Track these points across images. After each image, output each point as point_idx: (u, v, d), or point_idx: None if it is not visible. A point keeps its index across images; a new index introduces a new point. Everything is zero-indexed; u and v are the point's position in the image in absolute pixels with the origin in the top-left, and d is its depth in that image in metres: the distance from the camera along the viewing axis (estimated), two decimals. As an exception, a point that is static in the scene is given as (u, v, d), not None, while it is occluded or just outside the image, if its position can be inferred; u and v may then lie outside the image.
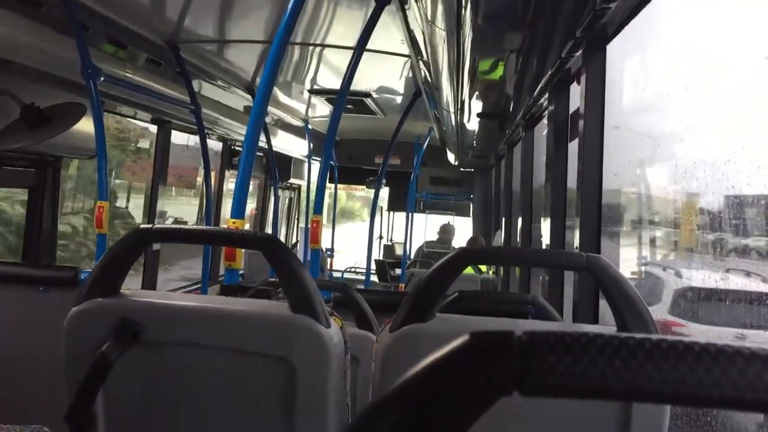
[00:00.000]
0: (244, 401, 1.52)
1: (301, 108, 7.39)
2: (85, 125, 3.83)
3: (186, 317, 1.49)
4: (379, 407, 0.48)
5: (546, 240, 3.41)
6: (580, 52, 2.65)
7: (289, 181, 9.37)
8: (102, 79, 3.71)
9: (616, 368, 0.44)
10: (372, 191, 9.67)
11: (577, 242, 2.63)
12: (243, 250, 5.73)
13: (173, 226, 1.48)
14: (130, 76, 4.26)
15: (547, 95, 3.62)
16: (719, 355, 0.44)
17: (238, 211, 2.63)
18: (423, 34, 3.13)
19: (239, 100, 6.12)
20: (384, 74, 5.55)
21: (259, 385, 1.50)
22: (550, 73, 3.11)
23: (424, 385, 0.47)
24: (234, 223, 2.60)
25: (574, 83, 3.05)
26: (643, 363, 0.44)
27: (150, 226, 1.53)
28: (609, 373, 0.45)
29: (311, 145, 8.20)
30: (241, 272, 7.06)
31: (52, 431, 2.47)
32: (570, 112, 3.25)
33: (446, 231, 9.69)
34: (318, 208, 4.03)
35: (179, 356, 1.50)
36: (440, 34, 2.87)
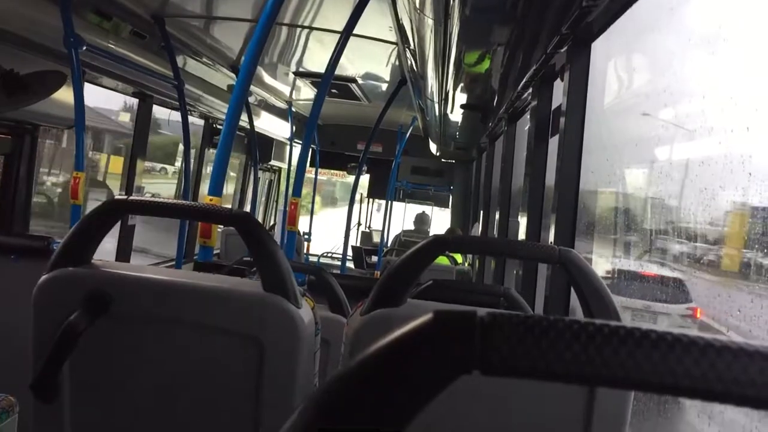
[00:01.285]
0: (211, 377, 1.52)
1: (286, 90, 7.36)
2: (66, 95, 3.79)
3: (157, 290, 1.48)
4: (339, 381, 0.49)
5: (522, 234, 3.44)
6: (564, 48, 2.66)
7: (270, 163, 9.33)
8: (84, 48, 3.66)
9: (575, 352, 0.45)
10: (343, 177, 9.70)
11: (551, 237, 2.65)
12: (220, 230, 5.72)
13: (148, 198, 1.47)
14: (113, 47, 4.21)
15: (530, 90, 3.64)
16: (675, 343, 0.45)
17: (215, 189, 2.62)
18: (411, 22, 3.13)
19: (223, 78, 6.08)
20: (370, 60, 5.54)
21: (227, 361, 1.50)
22: (534, 68, 3.12)
23: (385, 361, 0.48)
24: (211, 200, 2.59)
25: (558, 80, 3.06)
26: (602, 348, 0.45)
27: (125, 197, 1.52)
28: (568, 357, 0.45)
29: (294, 127, 8.17)
30: (216, 252, 7.05)
31: (19, 401, 2.45)
32: (552, 108, 3.27)
33: (422, 221, 9.71)
34: (297, 191, 4.03)
35: (148, 329, 1.50)
36: (428, 24, 2.87)
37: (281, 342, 1.46)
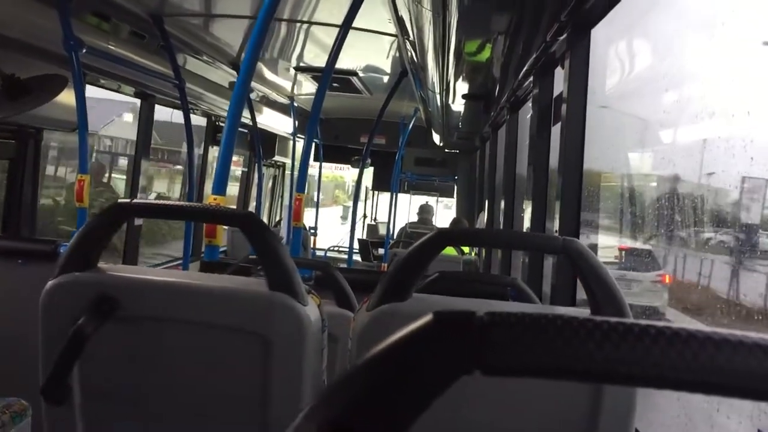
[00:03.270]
0: (219, 377, 1.53)
1: (287, 85, 7.35)
2: (67, 97, 3.79)
3: (163, 292, 1.49)
4: (343, 382, 0.49)
5: (527, 223, 3.43)
6: (564, 36, 2.65)
7: (274, 158, 9.33)
8: (84, 51, 3.66)
9: (574, 349, 0.45)
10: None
11: (557, 225, 2.65)
12: (226, 228, 5.73)
13: (152, 201, 1.47)
14: (113, 48, 4.21)
15: (531, 78, 3.63)
16: (674, 338, 0.45)
17: (219, 188, 2.63)
18: (410, 13, 3.12)
19: (224, 75, 6.07)
20: (371, 53, 5.52)
21: (235, 361, 1.50)
22: (534, 56, 3.12)
23: (388, 362, 0.48)
24: (215, 199, 2.60)
25: (559, 67, 3.05)
26: (602, 344, 0.45)
27: (129, 200, 1.52)
28: (567, 354, 0.45)
29: (296, 122, 8.16)
30: (224, 249, 7.07)
31: (30, 404, 2.47)
32: (554, 96, 3.26)
33: (426, 211, 9.68)
34: (301, 186, 4.03)
35: (156, 331, 1.50)
36: (426, 15, 2.86)
37: (288, 340, 1.46)
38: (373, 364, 0.49)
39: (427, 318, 0.48)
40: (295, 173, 8.67)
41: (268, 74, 6.70)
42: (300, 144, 8.66)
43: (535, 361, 0.46)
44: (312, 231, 9.26)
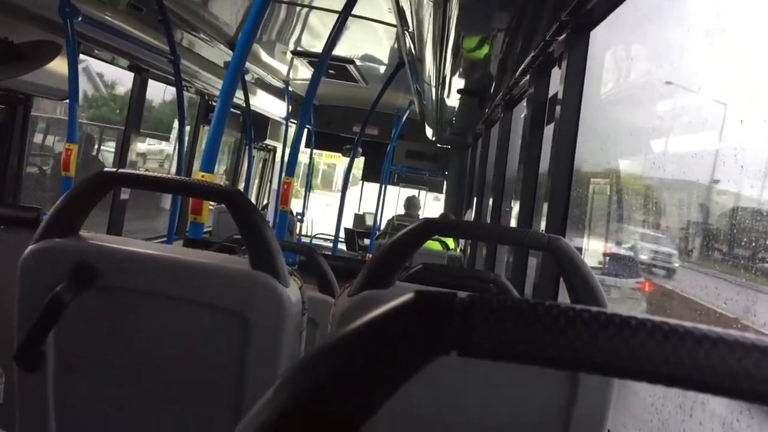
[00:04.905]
0: (196, 353, 1.51)
1: (283, 69, 7.31)
2: (60, 66, 3.76)
3: (144, 264, 1.47)
4: (319, 355, 0.49)
5: (514, 221, 3.44)
6: (563, 36, 2.64)
7: (265, 142, 9.30)
8: (79, 19, 3.62)
9: (552, 336, 0.45)
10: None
11: (543, 225, 2.65)
12: (212, 208, 5.70)
13: (138, 172, 1.46)
14: (109, 19, 4.17)
15: (528, 77, 3.63)
16: (655, 331, 0.45)
17: (208, 165, 2.61)
18: (410, 4, 3.11)
19: (220, 54, 6.03)
20: (369, 42, 5.50)
21: (212, 337, 1.49)
22: (532, 55, 3.11)
23: (363, 339, 0.48)
24: (203, 176, 2.58)
25: (555, 67, 3.05)
26: (581, 332, 0.45)
27: (114, 169, 1.50)
28: (545, 340, 0.45)
29: (290, 107, 8.13)
30: (209, 230, 7.05)
31: (5, 370, 2.45)
32: (549, 96, 3.26)
33: (412, 204, 9.66)
34: (290, 170, 4.02)
35: (135, 303, 1.49)
36: (427, 6, 2.85)
37: (267, 320, 1.45)
38: (347, 341, 0.48)
39: (409, 296, 0.48)
40: (286, 158, 8.68)
41: (265, 57, 6.66)
42: (292, 129, 8.64)
43: (513, 345, 0.45)
44: (299, 217, 9.25)
